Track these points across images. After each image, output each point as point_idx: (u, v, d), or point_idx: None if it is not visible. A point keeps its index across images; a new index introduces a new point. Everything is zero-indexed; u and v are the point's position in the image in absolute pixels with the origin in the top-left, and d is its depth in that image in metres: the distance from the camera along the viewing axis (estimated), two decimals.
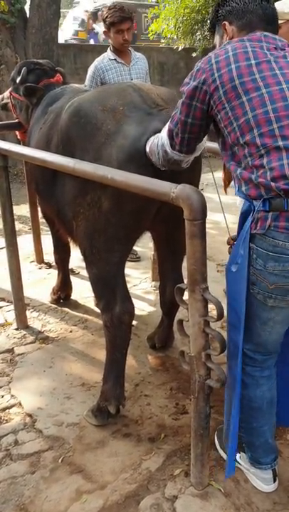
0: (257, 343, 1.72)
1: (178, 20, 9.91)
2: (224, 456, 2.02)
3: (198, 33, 10.16)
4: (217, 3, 1.76)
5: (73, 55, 8.57)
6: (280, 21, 2.71)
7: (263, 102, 1.47)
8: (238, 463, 1.97)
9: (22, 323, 3.00)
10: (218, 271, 3.94)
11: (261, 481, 1.90)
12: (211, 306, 1.63)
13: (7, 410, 2.33)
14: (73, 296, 3.39)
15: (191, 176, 2.09)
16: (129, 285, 3.57)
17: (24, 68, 3.00)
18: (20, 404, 2.37)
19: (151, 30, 10.10)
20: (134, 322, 3.04)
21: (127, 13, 3.36)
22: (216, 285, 3.63)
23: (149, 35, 10.55)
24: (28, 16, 7.51)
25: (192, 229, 1.54)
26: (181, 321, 1.82)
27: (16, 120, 3.39)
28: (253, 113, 1.47)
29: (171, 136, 1.69)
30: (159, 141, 1.77)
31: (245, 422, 1.83)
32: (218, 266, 4.03)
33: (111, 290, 2.17)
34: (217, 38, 1.77)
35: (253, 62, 1.51)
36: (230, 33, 1.69)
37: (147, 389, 2.47)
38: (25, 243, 4.38)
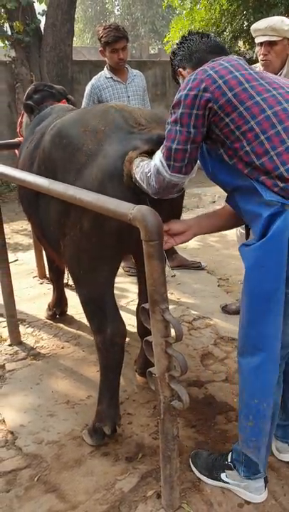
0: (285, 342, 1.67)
1: None
2: (202, 477, 2.00)
3: None
4: (169, 59, 1.92)
5: (89, 71, 8.71)
6: (274, 38, 2.72)
7: (279, 101, 1.56)
8: (224, 481, 1.95)
9: (15, 339, 3.04)
10: (218, 285, 3.90)
11: (254, 491, 1.88)
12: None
13: None
14: (69, 312, 3.41)
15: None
16: (126, 300, 3.64)
17: (32, 87, 3.06)
18: (3, 421, 2.39)
19: (169, 40, 10.20)
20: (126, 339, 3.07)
21: (121, 33, 3.41)
22: (214, 300, 3.62)
23: (164, 40, 10.64)
24: (42, 34, 7.70)
25: (149, 250, 1.54)
26: (148, 342, 1.81)
27: (16, 139, 3.47)
28: (271, 110, 1.54)
29: (168, 156, 1.63)
30: (152, 168, 1.70)
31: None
32: (220, 280, 4.00)
33: (101, 311, 2.16)
34: None
35: (251, 71, 1.62)
36: (186, 75, 1.76)
37: (131, 407, 2.45)
38: (30, 258, 4.47)
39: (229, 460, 1.96)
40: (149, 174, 1.73)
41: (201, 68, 1.61)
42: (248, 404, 1.73)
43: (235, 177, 1.63)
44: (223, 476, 1.96)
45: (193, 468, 2.04)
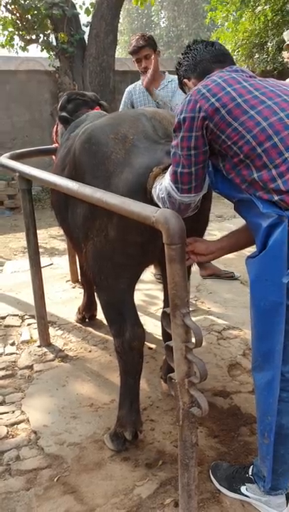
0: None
1: (236, 44, 9.98)
2: (222, 489, 1.96)
3: (257, 55, 10.16)
4: (175, 69, 1.92)
5: (130, 80, 8.81)
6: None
7: (274, 111, 1.51)
8: (244, 495, 1.91)
9: (44, 340, 3.09)
10: None
11: (275, 507, 1.84)
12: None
13: (15, 426, 2.39)
14: (98, 316, 3.44)
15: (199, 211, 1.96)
16: (155, 307, 3.63)
17: (65, 97, 3.12)
18: (28, 420, 2.42)
19: None
20: (152, 345, 3.07)
21: (141, 43, 3.46)
22: (245, 310, 3.55)
23: None
24: (86, 45, 7.86)
25: (170, 253, 1.53)
26: (169, 347, 1.79)
27: (54, 145, 3.55)
28: (267, 122, 1.50)
29: (175, 180, 1.66)
30: (164, 192, 1.72)
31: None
32: None
33: (121, 315, 2.17)
34: None
35: (245, 84, 1.58)
36: (191, 86, 1.79)
37: (154, 414, 2.44)
38: (65, 262, 4.53)
39: (250, 473, 1.92)
40: (162, 196, 1.75)
41: (195, 88, 1.61)
42: (262, 421, 1.71)
43: (235, 191, 1.62)
44: (243, 489, 1.91)
45: (213, 479, 2.00)
